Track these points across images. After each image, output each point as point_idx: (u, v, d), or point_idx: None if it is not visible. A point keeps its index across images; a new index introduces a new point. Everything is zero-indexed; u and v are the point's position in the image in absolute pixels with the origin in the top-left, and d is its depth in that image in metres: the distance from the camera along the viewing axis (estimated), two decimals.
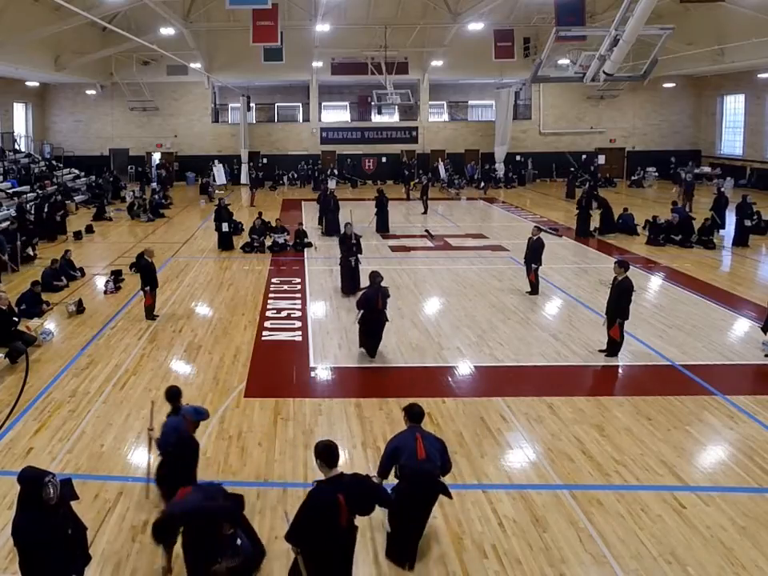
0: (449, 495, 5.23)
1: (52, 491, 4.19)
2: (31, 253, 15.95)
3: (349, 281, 12.76)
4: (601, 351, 9.62)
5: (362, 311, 9.39)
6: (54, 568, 4.23)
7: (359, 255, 12.78)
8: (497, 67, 30.86)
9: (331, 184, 28.67)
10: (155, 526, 4.83)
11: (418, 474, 5.00)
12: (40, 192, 23.26)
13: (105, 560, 5.25)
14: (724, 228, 18.81)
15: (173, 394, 5.70)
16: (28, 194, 22.87)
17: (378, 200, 19.85)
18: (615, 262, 9.42)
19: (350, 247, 12.67)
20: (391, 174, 34.36)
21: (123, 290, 13.37)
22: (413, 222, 21.69)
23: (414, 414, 5.23)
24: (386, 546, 5.33)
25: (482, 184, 31.28)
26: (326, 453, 4.37)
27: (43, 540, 4.18)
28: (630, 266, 9.76)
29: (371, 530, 5.53)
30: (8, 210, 20.63)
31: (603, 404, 7.95)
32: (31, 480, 4.26)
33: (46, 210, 19.18)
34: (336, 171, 32.54)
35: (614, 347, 9.46)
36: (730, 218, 18.75)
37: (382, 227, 19.71)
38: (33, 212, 19.65)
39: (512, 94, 32.45)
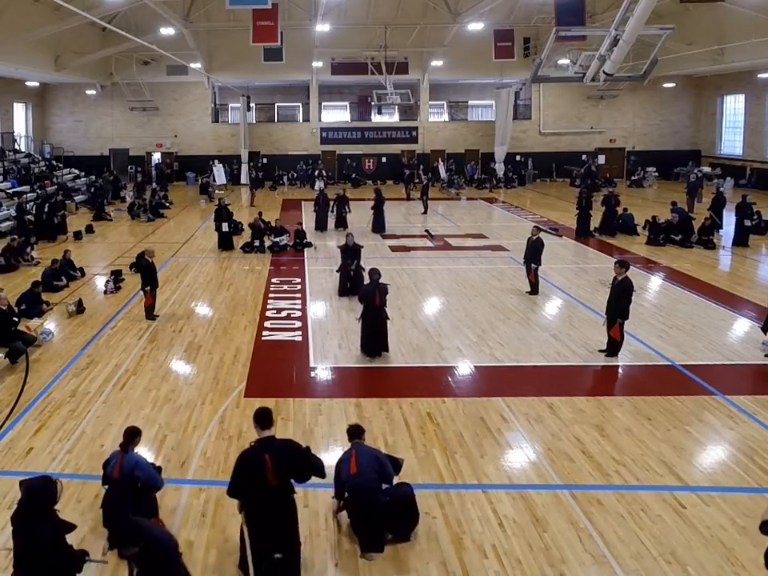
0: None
1: (60, 486, 4.51)
2: (32, 254, 15.91)
3: (345, 286, 12.73)
4: (601, 351, 9.62)
5: (362, 309, 9.49)
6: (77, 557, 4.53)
7: (357, 265, 12.76)
8: (497, 67, 30.84)
9: (319, 185, 28.78)
10: None
11: (351, 487, 5.38)
12: (40, 192, 23.25)
13: None
14: (722, 228, 18.81)
15: (127, 434, 5.54)
16: (28, 194, 22.87)
17: (375, 200, 19.86)
18: (615, 262, 9.42)
19: (349, 257, 12.75)
20: (391, 174, 34.36)
21: (123, 290, 13.37)
22: (413, 222, 21.69)
23: (350, 434, 5.69)
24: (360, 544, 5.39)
25: (488, 183, 31.35)
26: (260, 416, 4.80)
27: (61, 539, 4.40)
28: (630, 266, 9.77)
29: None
30: (8, 209, 20.65)
31: (603, 404, 7.95)
32: (42, 484, 4.42)
33: (45, 210, 19.17)
34: (325, 172, 32.41)
35: (614, 347, 9.46)
36: (729, 218, 18.76)
37: (379, 227, 19.69)
38: (33, 212, 19.62)
39: (512, 94, 32.44)
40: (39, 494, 4.38)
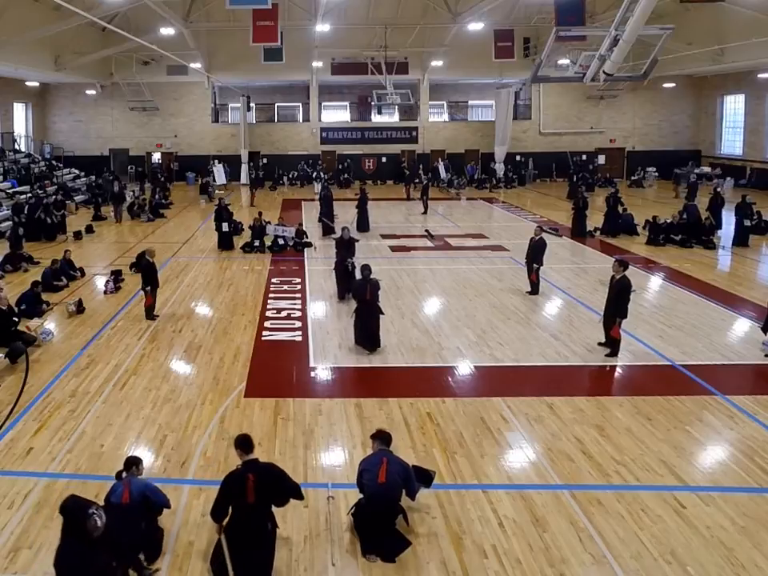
0: (406, 520, 5.51)
1: (98, 522, 4.01)
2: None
3: (343, 285, 12.53)
4: (600, 344, 9.62)
5: (356, 305, 9.68)
6: None
7: (353, 259, 12.64)
8: (497, 67, 30.89)
9: (316, 187, 28.74)
10: None
11: (376, 495, 5.35)
12: (41, 192, 23.23)
13: None
14: (720, 228, 18.82)
15: (126, 462, 5.45)
16: (28, 194, 22.85)
17: (359, 199, 19.79)
18: (614, 261, 9.44)
19: (344, 249, 12.68)
20: (391, 174, 34.36)
21: (123, 290, 13.37)
22: (413, 222, 21.69)
23: (382, 439, 5.65)
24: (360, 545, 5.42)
25: (488, 183, 31.44)
26: (243, 442, 5.05)
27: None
28: (630, 266, 9.78)
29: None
30: (7, 210, 20.63)
31: (603, 404, 7.95)
32: (74, 511, 4.08)
33: (41, 209, 19.10)
34: (323, 174, 32.33)
35: (615, 347, 9.45)
36: (729, 218, 18.75)
37: (363, 227, 19.56)
38: (26, 212, 19.56)
39: (512, 94, 32.45)
40: (69, 518, 4.08)
